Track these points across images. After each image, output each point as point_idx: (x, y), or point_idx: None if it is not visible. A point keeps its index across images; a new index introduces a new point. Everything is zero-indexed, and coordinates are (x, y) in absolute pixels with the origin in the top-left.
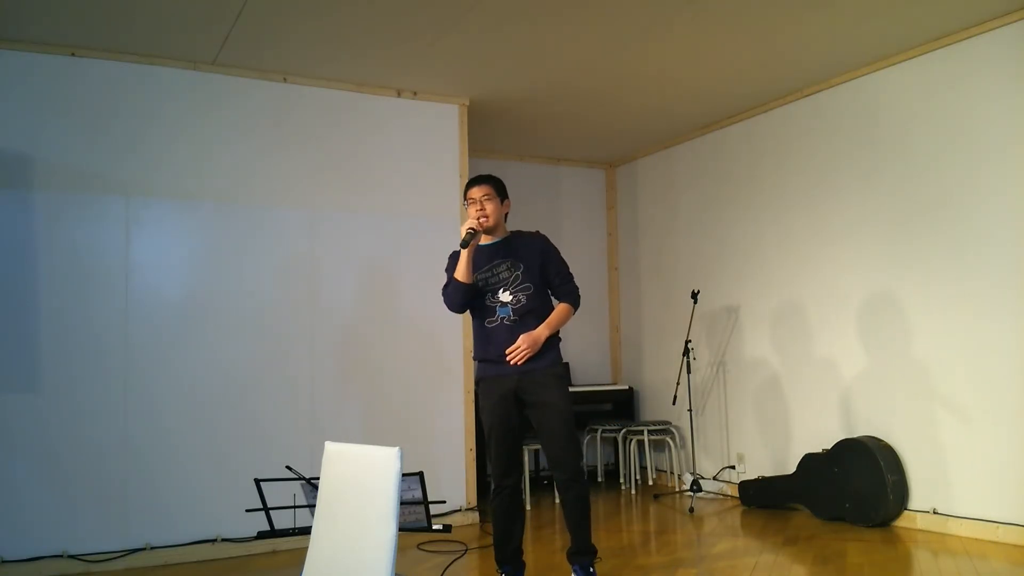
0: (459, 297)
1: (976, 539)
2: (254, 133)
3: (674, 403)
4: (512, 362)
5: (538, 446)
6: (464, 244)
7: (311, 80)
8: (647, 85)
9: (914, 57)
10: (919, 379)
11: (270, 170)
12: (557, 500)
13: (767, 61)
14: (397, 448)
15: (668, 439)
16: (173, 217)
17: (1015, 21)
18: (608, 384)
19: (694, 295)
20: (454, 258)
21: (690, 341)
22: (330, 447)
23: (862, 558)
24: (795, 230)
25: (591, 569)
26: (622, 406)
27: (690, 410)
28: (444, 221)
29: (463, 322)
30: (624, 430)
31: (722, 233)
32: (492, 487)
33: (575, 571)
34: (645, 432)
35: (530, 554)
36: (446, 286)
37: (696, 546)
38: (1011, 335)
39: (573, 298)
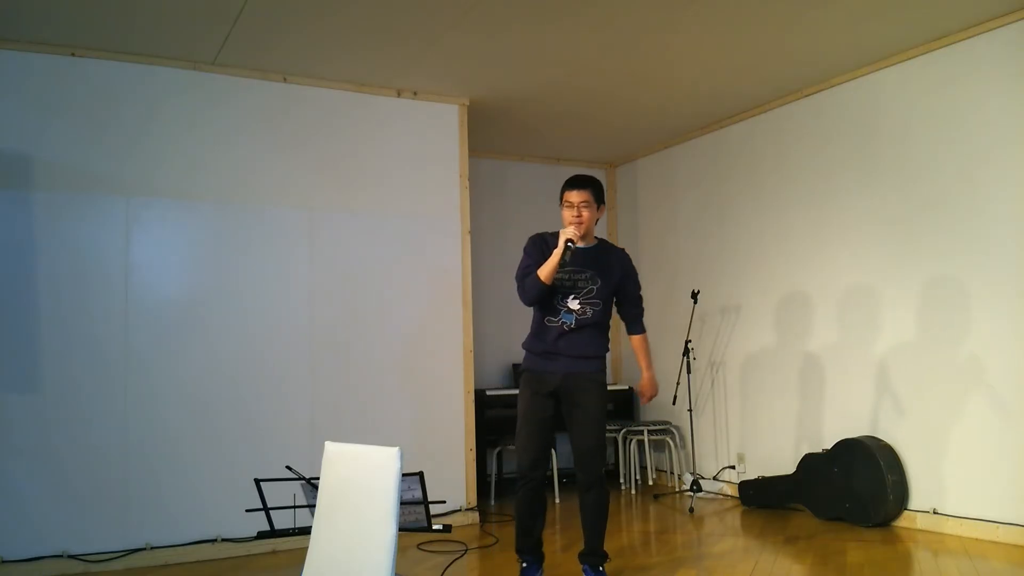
0: (536, 294)
1: (976, 539)
2: (254, 133)
3: (674, 403)
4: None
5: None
6: (564, 261)
7: (311, 80)
8: (647, 85)
9: (914, 57)
10: (919, 379)
11: (270, 170)
12: (558, 500)
13: (767, 61)
14: (397, 448)
15: (668, 439)
16: (173, 217)
17: (1015, 21)
18: (608, 384)
19: (694, 295)
20: (535, 243)
21: (690, 341)
22: (330, 447)
23: (862, 558)
24: (795, 230)
25: (600, 568)
26: (622, 406)
27: (690, 410)
28: (444, 221)
29: (463, 322)
30: (624, 430)
31: (722, 233)
32: (517, 479)
33: (585, 571)
34: (645, 432)
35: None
36: (523, 276)
37: (696, 546)
38: (1011, 334)
39: (642, 324)
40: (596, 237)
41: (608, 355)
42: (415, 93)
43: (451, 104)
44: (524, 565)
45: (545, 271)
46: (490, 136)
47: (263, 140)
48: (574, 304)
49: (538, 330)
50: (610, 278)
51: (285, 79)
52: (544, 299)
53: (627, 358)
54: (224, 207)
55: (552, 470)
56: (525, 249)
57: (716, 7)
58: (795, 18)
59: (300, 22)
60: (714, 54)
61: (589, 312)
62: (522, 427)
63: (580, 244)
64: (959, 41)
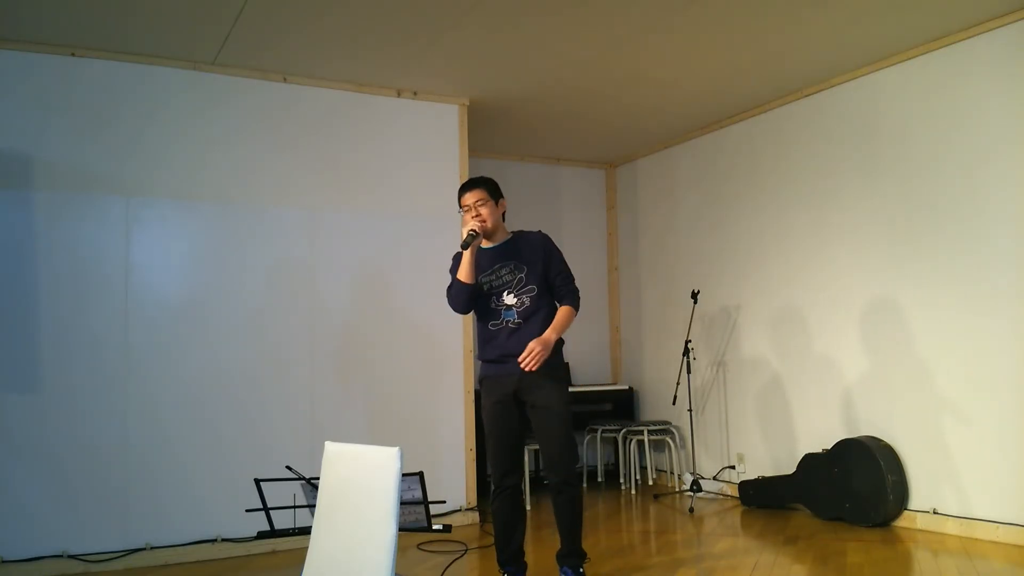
0: (463, 298)
1: (976, 539)
2: (254, 133)
3: (674, 403)
4: (527, 368)
5: (537, 447)
6: (465, 245)
7: (311, 80)
8: (647, 85)
9: (914, 57)
10: (919, 379)
11: (270, 170)
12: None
13: (767, 61)
14: (397, 448)
15: (668, 439)
16: (173, 217)
17: (1015, 21)
18: (608, 384)
19: (694, 295)
20: (458, 259)
21: (690, 341)
22: (330, 447)
23: (862, 558)
24: (795, 230)
25: (580, 569)
26: (622, 406)
27: (690, 410)
28: (444, 221)
29: (463, 322)
30: (624, 430)
31: (722, 233)
32: (492, 488)
33: (563, 573)
34: (645, 432)
35: (530, 555)
36: (450, 287)
37: (696, 546)
38: (1011, 334)
39: (574, 299)
40: (510, 231)
41: (565, 347)
42: (415, 93)
43: (451, 104)
44: None
45: (462, 271)
46: (490, 136)
47: (263, 140)
48: (510, 299)
49: (485, 337)
50: (534, 262)
51: (285, 79)
52: (477, 304)
53: (625, 358)
54: (224, 207)
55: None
56: (450, 269)
57: (716, 7)
58: (795, 18)
59: (300, 22)
60: (714, 54)
61: (527, 300)
62: (489, 438)
63: (493, 242)
64: (959, 41)
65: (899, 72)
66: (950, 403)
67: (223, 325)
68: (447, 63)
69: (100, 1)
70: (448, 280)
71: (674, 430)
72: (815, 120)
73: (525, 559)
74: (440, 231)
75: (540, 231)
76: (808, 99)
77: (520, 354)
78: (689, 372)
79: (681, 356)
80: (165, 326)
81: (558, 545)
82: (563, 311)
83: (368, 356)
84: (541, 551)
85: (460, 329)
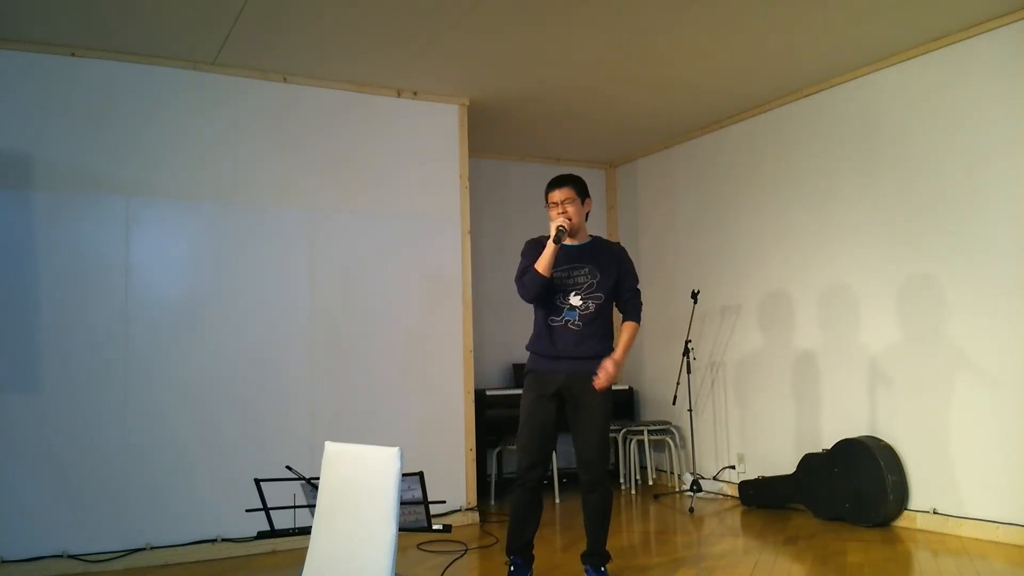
0: (536, 289)
1: (976, 539)
2: (254, 133)
3: (674, 403)
4: (598, 388)
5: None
6: (557, 239)
7: (311, 80)
8: (647, 85)
9: (914, 57)
10: (919, 379)
11: (270, 170)
12: (558, 500)
13: (767, 61)
14: (397, 448)
15: (668, 439)
16: (173, 217)
17: (1015, 21)
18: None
19: (694, 295)
20: (531, 246)
21: (690, 341)
22: (330, 447)
23: (862, 558)
24: (795, 230)
25: (602, 568)
26: (622, 406)
27: (690, 410)
28: (444, 221)
29: (464, 322)
30: (624, 430)
31: (722, 233)
32: (515, 478)
33: (587, 572)
34: (645, 432)
35: (535, 549)
36: (522, 274)
37: (696, 546)
38: (1011, 334)
39: (638, 314)
40: (590, 235)
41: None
42: (415, 93)
43: (451, 104)
44: (512, 568)
45: (542, 263)
46: (490, 136)
47: (263, 140)
48: (576, 300)
49: (542, 331)
50: (609, 271)
51: (285, 79)
52: (545, 297)
53: (627, 358)
54: (224, 207)
55: (552, 471)
56: (522, 252)
57: (716, 7)
58: (795, 18)
59: (300, 22)
60: (714, 54)
61: (592, 307)
62: (523, 428)
63: (574, 241)
64: (959, 41)
65: (899, 72)
66: (950, 403)
67: (223, 325)
68: (447, 63)
69: (100, 1)
70: (448, 279)
71: (674, 430)
72: (815, 120)
73: (533, 552)
74: (440, 231)
75: (619, 243)
76: (808, 99)
77: (571, 356)
78: (689, 372)
79: (681, 356)
80: (165, 326)
81: (559, 543)
82: (630, 328)
83: (368, 356)
84: (541, 549)
85: (460, 329)
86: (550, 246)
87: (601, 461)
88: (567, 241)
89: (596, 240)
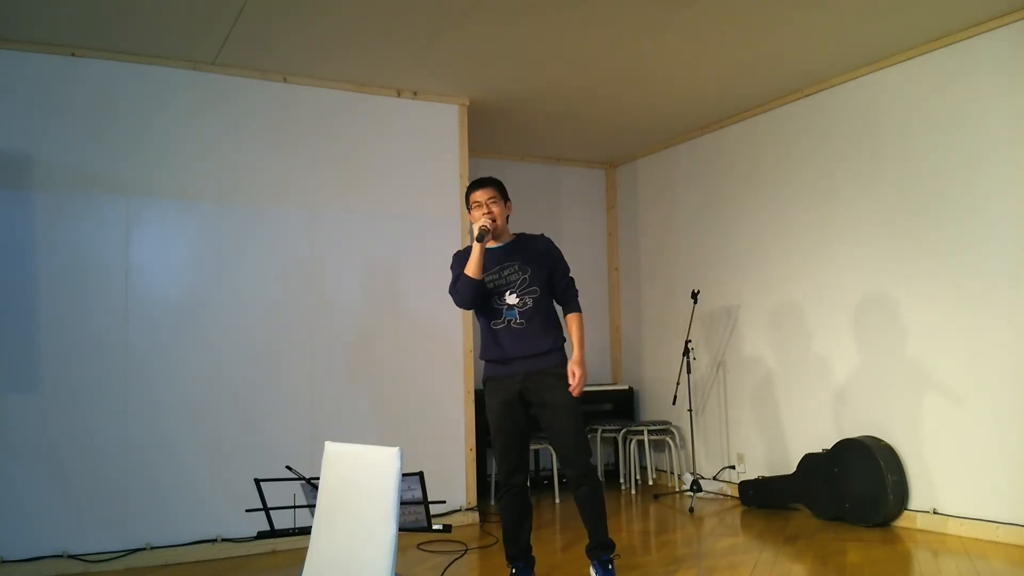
0: (469, 293)
1: (976, 539)
2: (254, 133)
3: (674, 403)
4: (576, 395)
5: (539, 446)
6: (479, 238)
7: (311, 80)
8: (647, 85)
9: (914, 57)
10: (919, 379)
11: (270, 170)
12: (558, 500)
13: (767, 61)
14: (397, 448)
15: (668, 439)
16: (173, 217)
17: (1015, 21)
18: (608, 384)
19: (694, 295)
20: (459, 257)
21: (690, 341)
22: (330, 447)
23: (862, 558)
24: (795, 230)
25: (609, 564)
26: (622, 406)
27: (690, 410)
28: (444, 221)
29: (463, 321)
30: (624, 430)
31: (722, 233)
32: (496, 486)
33: (593, 566)
34: (645, 432)
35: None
36: (454, 283)
37: (696, 546)
38: (1011, 334)
39: (576, 304)
40: (513, 233)
41: (566, 345)
42: (415, 93)
43: (451, 104)
44: (514, 572)
45: (471, 266)
46: (490, 136)
47: (263, 140)
48: (512, 299)
49: (488, 337)
50: (538, 264)
51: (285, 79)
52: (481, 301)
53: (625, 358)
54: (224, 207)
55: (551, 471)
56: (451, 266)
57: (716, 7)
58: (795, 18)
59: (300, 22)
60: (714, 54)
61: (530, 301)
62: (495, 437)
63: (498, 243)
64: (959, 41)
65: (899, 72)
66: (950, 403)
67: (223, 325)
68: (447, 63)
69: (100, 1)
70: (449, 278)
71: (674, 430)
72: (815, 120)
73: (532, 553)
74: (440, 231)
75: (543, 235)
76: (808, 99)
77: (522, 355)
78: (689, 372)
79: (681, 356)
80: (165, 326)
81: (559, 542)
82: (574, 320)
83: (368, 356)
84: (541, 549)
85: (460, 329)
86: (476, 247)
87: (580, 454)
88: (491, 244)
89: (519, 237)
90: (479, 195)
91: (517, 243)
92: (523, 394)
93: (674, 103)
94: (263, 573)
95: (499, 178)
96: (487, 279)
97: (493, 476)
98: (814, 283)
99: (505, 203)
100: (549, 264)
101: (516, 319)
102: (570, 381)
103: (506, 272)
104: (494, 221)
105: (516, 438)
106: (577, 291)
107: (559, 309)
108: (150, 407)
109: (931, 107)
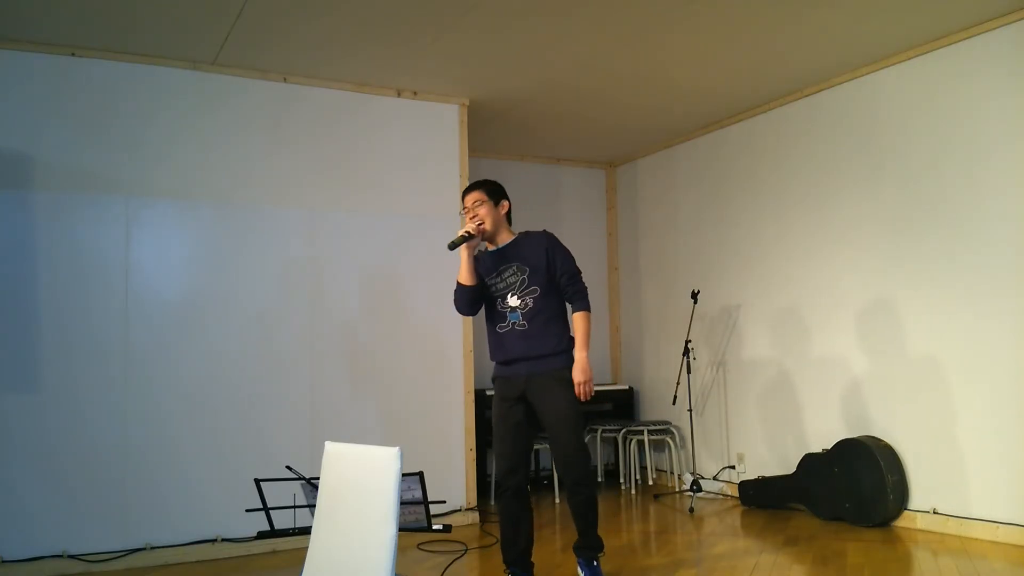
0: (464, 299)
1: (976, 539)
2: (254, 133)
3: (674, 403)
4: (584, 400)
5: (540, 446)
6: (452, 246)
7: (311, 80)
8: (647, 85)
9: (914, 57)
10: (919, 379)
11: (270, 170)
12: (558, 500)
13: (767, 61)
14: (397, 448)
15: (668, 439)
16: (173, 217)
17: (1015, 21)
18: (608, 384)
19: (694, 295)
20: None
21: (690, 341)
22: (330, 447)
23: (862, 558)
24: (795, 230)
25: (595, 562)
26: (622, 406)
27: (690, 410)
28: (444, 221)
29: (462, 322)
30: (624, 430)
31: (722, 233)
32: (496, 485)
33: (580, 563)
34: (645, 432)
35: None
36: (456, 290)
37: (696, 546)
38: (1011, 334)
39: (583, 298)
40: (515, 232)
41: (571, 348)
42: (415, 93)
43: (451, 104)
44: None
45: (461, 273)
46: (490, 136)
47: (263, 140)
48: (514, 301)
49: (494, 340)
50: (537, 262)
51: (285, 79)
52: (488, 307)
53: (625, 358)
54: (224, 207)
55: (551, 471)
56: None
57: (716, 7)
58: (795, 18)
59: (300, 22)
60: (714, 54)
61: (531, 302)
62: (496, 435)
63: (496, 245)
64: (959, 41)
65: (899, 72)
66: (950, 403)
67: (223, 325)
68: (447, 63)
69: (100, 1)
70: (446, 279)
71: (674, 430)
72: (815, 120)
73: (532, 559)
74: (440, 231)
75: (544, 230)
76: (808, 99)
77: (525, 357)
78: (689, 372)
79: (681, 356)
80: (165, 326)
81: (559, 542)
82: (580, 319)
83: (368, 356)
84: (541, 548)
85: (460, 329)
86: (461, 255)
87: (578, 460)
88: (489, 247)
89: (519, 236)
90: (466, 200)
91: (516, 243)
92: (526, 395)
93: (674, 103)
94: (263, 573)
95: (499, 178)
96: (489, 283)
97: (493, 476)
98: (814, 283)
99: (498, 203)
100: (548, 260)
101: (519, 321)
102: (575, 388)
103: (506, 275)
104: (480, 225)
105: (516, 437)
106: (584, 288)
107: (569, 308)
108: (150, 407)
109: (931, 107)
